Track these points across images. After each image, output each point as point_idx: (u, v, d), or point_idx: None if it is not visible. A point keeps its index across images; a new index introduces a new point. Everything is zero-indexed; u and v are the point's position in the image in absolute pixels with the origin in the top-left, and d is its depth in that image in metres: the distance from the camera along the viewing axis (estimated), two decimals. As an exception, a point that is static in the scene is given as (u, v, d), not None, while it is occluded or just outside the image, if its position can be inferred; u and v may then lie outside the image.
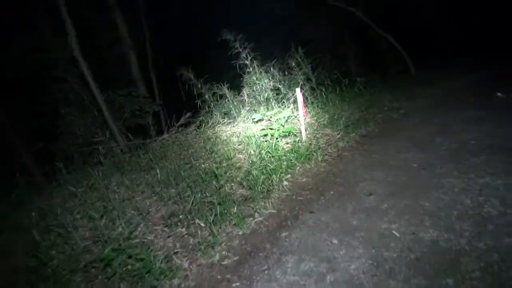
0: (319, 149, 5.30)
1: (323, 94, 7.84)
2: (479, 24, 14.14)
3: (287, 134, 5.50)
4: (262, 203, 3.90)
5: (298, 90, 5.56)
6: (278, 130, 5.35)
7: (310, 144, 5.34)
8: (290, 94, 7.34)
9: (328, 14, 13.77)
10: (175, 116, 7.77)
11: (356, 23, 12.97)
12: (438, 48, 14.23)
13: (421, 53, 13.86)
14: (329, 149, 5.39)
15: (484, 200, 3.23)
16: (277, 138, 5.23)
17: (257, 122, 6.13)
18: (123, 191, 4.54)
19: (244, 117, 7.00)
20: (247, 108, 7.76)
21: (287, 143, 5.37)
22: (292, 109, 6.66)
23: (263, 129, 5.57)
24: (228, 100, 8.80)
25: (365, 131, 6.20)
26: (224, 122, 7.09)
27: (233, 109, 8.15)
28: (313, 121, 6.39)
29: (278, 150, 4.98)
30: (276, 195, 4.11)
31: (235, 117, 7.46)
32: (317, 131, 5.93)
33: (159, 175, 4.58)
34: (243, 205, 3.94)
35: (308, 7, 14.29)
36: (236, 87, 9.38)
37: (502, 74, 9.70)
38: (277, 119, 5.79)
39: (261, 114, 6.10)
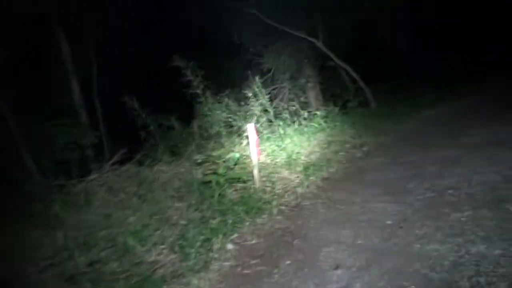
0: (274, 196, 4.44)
1: (280, 128, 7.10)
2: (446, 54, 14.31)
3: (236, 179, 4.60)
4: (196, 282, 2.91)
5: (250, 126, 4.75)
6: (224, 175, 4.44)
7: (264, 191, 4.48)
8: (245, 127, 6.53)
9: (289, 43, 13.43)
10: (115, 149, 6.75)
11: (317, 54, 12.65)
12: (402, 80, 14.18)
13: (384, 84, 13.69)
14: (286, 197, 4.54)
15: (486, 282, 2.44)
16: (222, 186, 4.31)
17: (200, 163, 5.18)
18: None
19: (190, 154, 6.05)
20: (196, 143, 6.85)
21: (236, 190, 4.46)
22: (244, 146, 5.81)
23: (207, 174, 4.64)
24: (176, 133, 7.85)
25: (328, 173, 5.44)
26: (168, 160, 6.08)
27: (180, 143, 7.21)
28: (268, 161, 5.57)
29: (224, 202, 4.05)
30: (216, 266, 3.14)
31: (181, 154, 6.50)
32: (273, 173, 5.09)
33: (62, 237, 3.48)
34: (170, 284, 2.93)
35: (267, 35, 13.91)
36: (188, 118, 8.49)
37: (471, 108, 9.51)
38: (225, 160, 4.90)
39: (205, 155, 5.18)
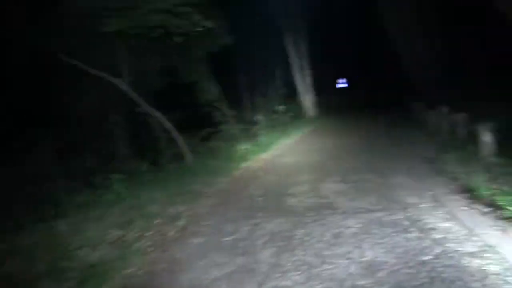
0: None
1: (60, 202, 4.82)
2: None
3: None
4: None
5: None
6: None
7: None
8: None
9: (90, 84, 11.21)
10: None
11: (125, 97, 10.82)
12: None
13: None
14: None
15: None
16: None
17: None
18: None
19: None
20: None
21: None
22: None
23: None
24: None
25: (121, 279, 3.52)
26: None
27: None
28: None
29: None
30: None
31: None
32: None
33: None
34: None
35: (62, 74, 11.31)
36: None
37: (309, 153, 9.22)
38: None
39: None
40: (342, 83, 35.69)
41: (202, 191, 6.77)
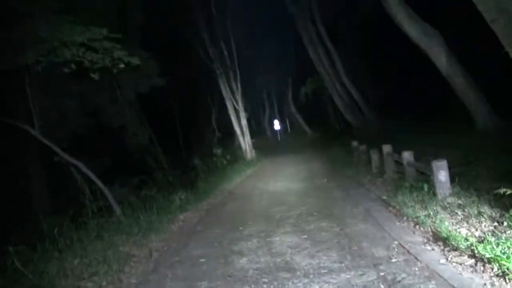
0: None
1: None
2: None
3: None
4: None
5: None
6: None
7: None
8: None
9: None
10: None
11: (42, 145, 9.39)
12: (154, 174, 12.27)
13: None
14: None
15: None
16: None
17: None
18: None
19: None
20: None
21: None
22: None
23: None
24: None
25: None
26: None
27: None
28: None
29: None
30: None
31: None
32: None
33: None
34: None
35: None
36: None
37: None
38: None
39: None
40: (278, 125, 35.87)
41: (131, 254, 5.61)
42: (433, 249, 3.87)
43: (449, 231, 4.02)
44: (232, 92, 21.40)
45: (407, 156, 6.81)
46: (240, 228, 6.28)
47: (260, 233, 5.71)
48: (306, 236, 5.19)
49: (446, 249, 3.77)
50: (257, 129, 37.29)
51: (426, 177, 6.29)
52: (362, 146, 10.88)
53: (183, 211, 8.42)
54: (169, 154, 19.45)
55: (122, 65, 5.63)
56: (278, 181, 11.44)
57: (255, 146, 22.37)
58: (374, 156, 9.30)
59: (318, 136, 27.59)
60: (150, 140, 15.06)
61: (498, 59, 5.37)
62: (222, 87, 21.14)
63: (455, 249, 3.67)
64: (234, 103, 21.27)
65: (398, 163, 7.94)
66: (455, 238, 3.77)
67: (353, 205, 6.66)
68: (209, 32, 19.49)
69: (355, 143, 12.04)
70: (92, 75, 5.44)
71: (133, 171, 12.99)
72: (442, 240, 3.97)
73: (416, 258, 3.70)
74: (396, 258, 3.82)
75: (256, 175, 14.10)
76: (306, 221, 6.03)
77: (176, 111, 29.25)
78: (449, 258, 3.54)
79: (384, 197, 6.55)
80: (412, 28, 9.82)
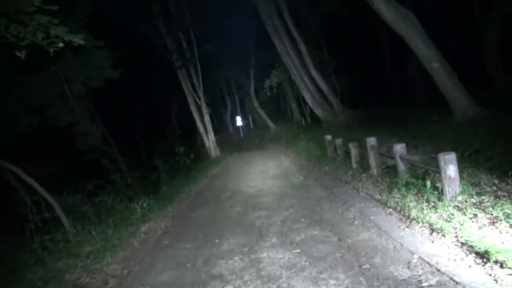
0: None
1: None
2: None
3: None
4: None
5: None
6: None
7: None
8: None
9: None
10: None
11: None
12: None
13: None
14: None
15: None
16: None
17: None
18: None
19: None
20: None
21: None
22: None
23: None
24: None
25: None
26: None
27: None
28: None
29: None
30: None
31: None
32: None
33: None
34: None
35: None
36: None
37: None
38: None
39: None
40: (240, 121, 34.81)
41: (80, 283, 4.47)
42: (470, 266, 3.10)
43: (482, 240, 3.29)
44: (193, 87, 20.17)
45: (399, 149, 6.11)
46: (216, 241, 5.30)
47: (242, 248, 4.76)
48: (299, 250, 4.30)
49: (488, 265, 3.01)
50: (219, 126, 36.09)
51: (422, 173, 5.65)
52: (338, 140, 10.17)
53: (146, 221, 7.31)
54: (128, 154, 17.98)
55: (61, 44, 4.43)
56: (249, 180, 10.52)
57: (218, 143, 21.28)
58: (354, 150, 8.61)
59: (283, 131, 26.93)
60: (104, 140, 13.61)
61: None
62: (182, 81, 19.84)
63: (502, 265, 2.92)
64: (196, 98, 20.05)
65: (384, 156, 7.33)
66: (497, 250, 3.02)
67: (343, 206, 5.87)
68: (166, 22, 18.14)
69: (328, 137, 11.35)
70: (18, 54, 4.21)
71: (87, 175, 11.52)
72: (476, 253, 3.22)
73: (453, 280, 2.91)
74: (427, 280, 3.01)
75: (224, 174, 13.09)
76: (293, 230, 5.15)
77: (134, 108, 27.45)
78: (500, 280, 2.78)
79: (378, 197, 5.80)
80: (389, 11, 9.24)
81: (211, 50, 21.85)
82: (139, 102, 27.48)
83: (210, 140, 20.24)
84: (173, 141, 26.68)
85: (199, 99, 20.02)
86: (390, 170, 6.93)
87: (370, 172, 7.52)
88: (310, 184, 8.38)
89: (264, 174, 11.18)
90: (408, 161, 5.98)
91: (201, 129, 20.41)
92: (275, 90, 23.35)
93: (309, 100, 16.00)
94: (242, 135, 33.42)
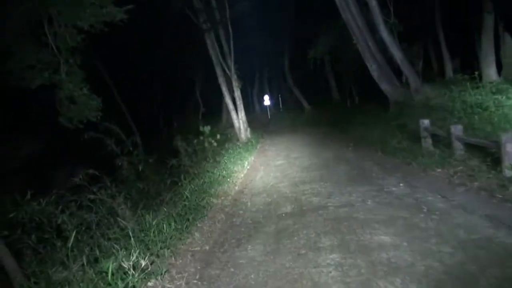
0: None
1: None
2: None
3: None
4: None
5: None
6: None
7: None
8: None
9: None
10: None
11: None
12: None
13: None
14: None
15: None
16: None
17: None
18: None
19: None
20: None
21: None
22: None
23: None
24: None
25: None
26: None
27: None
28: None
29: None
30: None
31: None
32: None
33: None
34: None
35: None
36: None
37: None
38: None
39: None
40: (267, 101, 31.10)
41: None
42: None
43: None
44: (223, 55, 16.72)
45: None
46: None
47: None
48: None
49: None
50: (244, 104, 32.73)
51: None
52: (456, 127, 6.64)
53: (149, 275, 3.96)
54: (145, 131, 14.86)
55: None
56: (309, 180, 7.20)
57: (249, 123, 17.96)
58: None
59: (320, 113, 23.32)
60: (120, 115, 10.51)
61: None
62: (210, 47, 16.35)
63: None
64: (226, 68, 16.61)
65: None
66: None
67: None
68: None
69: (425, 122, 7.83)
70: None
71: (82, 158, 8.40)
72: None
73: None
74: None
75: (267, 166, 9.76)
76: None
77: (153, 79, 24.31)
78: None
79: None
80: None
81: (244, 11, 18.17)
82: (158, 74, 24.33)
83: (240, 120, 16.90)
84: (196, 120, 23.48)
85: (229, 69, 16.59)
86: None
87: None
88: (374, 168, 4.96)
89: (329, 171, 7.85)
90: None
91: (230, 106, 17.07)
92: (318, 62, 19.71)
93: (374, 73, 12.37)
94: (269, 116, 29.93)
